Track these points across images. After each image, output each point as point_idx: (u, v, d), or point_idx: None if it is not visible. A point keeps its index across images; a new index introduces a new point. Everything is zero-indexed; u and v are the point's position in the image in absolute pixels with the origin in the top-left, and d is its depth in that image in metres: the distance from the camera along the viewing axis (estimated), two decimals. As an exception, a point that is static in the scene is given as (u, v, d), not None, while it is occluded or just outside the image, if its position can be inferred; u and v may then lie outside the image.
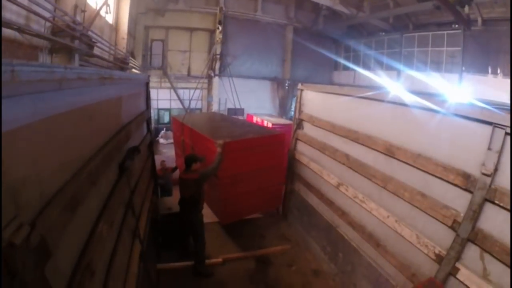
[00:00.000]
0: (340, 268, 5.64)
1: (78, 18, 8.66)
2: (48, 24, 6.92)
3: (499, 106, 3.40)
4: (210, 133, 7.21)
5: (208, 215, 7.62)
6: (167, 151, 16.59)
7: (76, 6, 8.85)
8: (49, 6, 6.64)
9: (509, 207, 2.91)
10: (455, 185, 3.49)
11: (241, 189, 6.73)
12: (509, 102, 12.58)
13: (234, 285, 5.65)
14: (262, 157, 6.84)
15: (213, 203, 7.12)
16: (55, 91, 1.59)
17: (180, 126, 8.98)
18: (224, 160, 5.87)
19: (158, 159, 9.97)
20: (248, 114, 15.45)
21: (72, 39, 7.81)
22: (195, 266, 5.81)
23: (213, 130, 7.77)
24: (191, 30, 21.22)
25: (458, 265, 3.41)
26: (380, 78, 20.24)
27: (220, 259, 6.20)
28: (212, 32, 21.23)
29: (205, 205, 7.18)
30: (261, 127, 9.14)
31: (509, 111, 2.99)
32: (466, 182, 3.35)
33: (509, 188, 2.96)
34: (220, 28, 11.77)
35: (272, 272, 6.05)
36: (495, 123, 3.06)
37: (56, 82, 1.57)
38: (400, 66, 19.66)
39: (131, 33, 16.46)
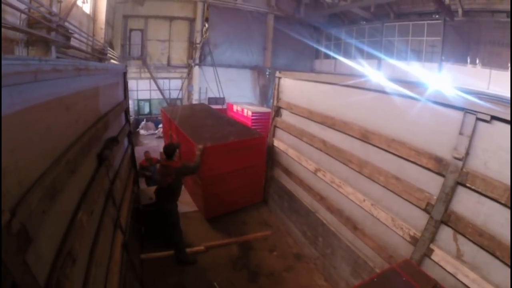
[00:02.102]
0: (320, 252, 5.79)
1: (54, 9, 8.41)
2: (23, 16, 6.73)
3: (478, 94, 3.50)
4: (193, 134, 7.38)
5: (191, 203, 7.73)
6: (148, 142, 16.48)
7: (52, -3, 8.61)
8: (24, -2, 6.45)
9: (480, 189, 3.03)
10: (428, 169, 3.62)
11: (223, 187, 6.99)
12: (487, 91, 12.99)
13: (217, 271, 5.72)
14: (243, 158, 7.07)
15: (197, 199, 7.39)
16: (31, 83, 1.62)
17: (169, 120, 9.08)
18: (206, 162, 6.12)
19: (139, 150, 9.94)
20: (229, 103, 15.40)
21: (48, 31, 7.61)
22: (177, 256, 5.88)
23: (197, 131, 7.88)
24: (171, 19, 20.90)
25: (432, 246, 3.54)
26: (361, 67, 20.38)
27: (202, 247, 6.27)
28: (192, 20, 21.00)
29: (190, 200, 7.44)
30: (245, 127, 9.14)
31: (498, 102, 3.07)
32: (438, 165, 3.47)
33: (481, 171, 3.08)
34: (207, 25, 11.64)
35: (255, 258, 6.16)
36: (467, 109, 3.15)
37: (31, 74, 1.60)
38: (381, 55, 19.79)
39: (109, 23, 16.10)
